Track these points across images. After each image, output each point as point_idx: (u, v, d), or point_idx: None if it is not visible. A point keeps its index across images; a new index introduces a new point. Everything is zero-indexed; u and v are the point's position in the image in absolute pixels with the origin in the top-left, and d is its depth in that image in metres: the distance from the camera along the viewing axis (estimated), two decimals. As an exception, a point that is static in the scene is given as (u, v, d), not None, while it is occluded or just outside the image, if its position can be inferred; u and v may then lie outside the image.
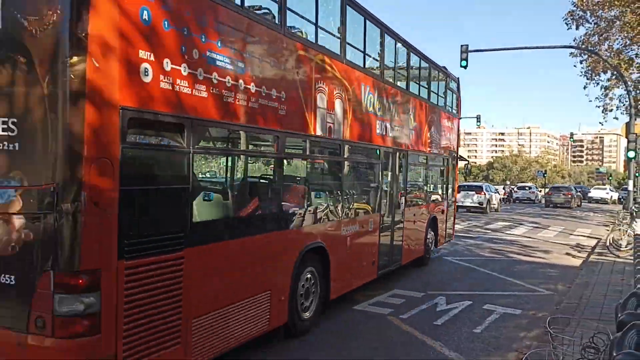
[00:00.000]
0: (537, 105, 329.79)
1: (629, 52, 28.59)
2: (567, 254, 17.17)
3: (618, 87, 30.59)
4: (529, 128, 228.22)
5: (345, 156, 8.62)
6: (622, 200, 49.13)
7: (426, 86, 12.72)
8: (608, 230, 21.61)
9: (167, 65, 4.74)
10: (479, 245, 18.45)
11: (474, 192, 34.67)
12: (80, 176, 4.04)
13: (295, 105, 6.93)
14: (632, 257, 11.86)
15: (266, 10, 6.55)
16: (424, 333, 7.90)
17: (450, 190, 14.98)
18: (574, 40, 29.39)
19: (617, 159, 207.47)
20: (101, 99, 4.13)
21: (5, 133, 4.07)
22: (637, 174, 34.56)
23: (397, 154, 10.87)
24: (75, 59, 3.97)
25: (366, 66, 9.30)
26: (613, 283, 11.30)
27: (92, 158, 4.09)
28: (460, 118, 16.14)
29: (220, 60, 5.48)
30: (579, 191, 54.32)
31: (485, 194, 35.40)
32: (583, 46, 28.40)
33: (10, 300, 4.12)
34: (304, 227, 7.29)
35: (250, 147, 6.68)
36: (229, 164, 6.95)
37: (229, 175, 6.94)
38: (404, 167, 11.32)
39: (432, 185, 13.77)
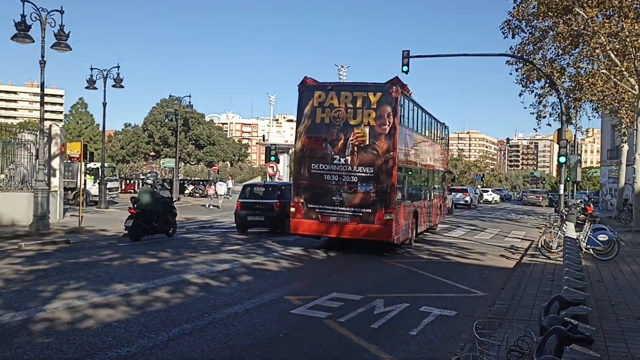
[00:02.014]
0: (476, 111, 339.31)
1: (561, 61, 29.57)
2: (502, 255, 17.67)
3: (551, 94, 31.61)
4: (468, 133, 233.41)
5: (423, 173, 21.44)
6: (554, 203, 51.56)
7: (438, 135, 24.87)
8: (540, 232, 22.53)
9: (403, 148, 17.22)
10: (418, 247, 18.89)
11: (461, 193, 49.02)
12: (391, 183, 16.33)
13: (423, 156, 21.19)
14: (562, 259, 12.23)
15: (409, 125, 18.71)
16: (360, 336, 7.90)
17: (445, 190, 27.77)
18: (510, 49, 30.20)
19: (551, 163, 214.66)
20: (396, 161, 16.45)
21: (370, 170, 16.44)
22: (568, 178, 35.93)
23: (432, 171, 23.05)
24: (391, 153, 16.35)
25: (425, 133, 21.60)
26: (543, 284, 11.60)
27: (393, 177, 16.35)
28: (448, 150, 29.32)
29: (410, 144, 18.41)
30: (549, 194, 69.12)
31: (469, 194, 49.43)
32: (518, 54, 29.19)
33: (368, 213, 16.30)
34: (415, 202, 19.58)
35: (416, 171, 19.60)
36: (413, 179, 19.02)
37: (412, 182, 18.98)
38: (432, 177, 23.28)
39: (439, 187, 25.29)
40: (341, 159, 16.73)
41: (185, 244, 17.41)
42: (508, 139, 73.76)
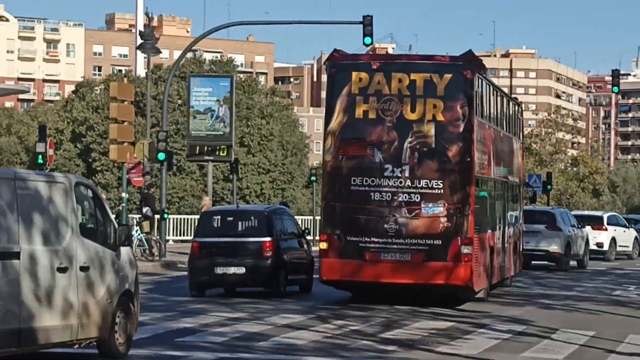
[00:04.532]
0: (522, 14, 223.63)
1: None
2: None
3: None
4: (508, 55, 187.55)
5: (499, 188, 18.87)
6: None
7: (514, 123, 20.27)
8: None
9: (481, 151, 15.47)
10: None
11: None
12: (468, 202, 14.41)
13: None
14: None
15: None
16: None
17: (521, 217, 22.19)
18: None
19: None
20: (474, 170, 14.74)
21: (438, 185, 14.22)
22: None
23: (507, 184, 19.50)
24: (468, 160, 14.48)
25: (502, 125, 18.63)
26: None
27: (471, 193, 14.44)
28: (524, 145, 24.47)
29: (488, 144, 16.33)
30: None
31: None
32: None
33: (438, 246, 14.11)
34: (491, 234, 17.11)
35: (492, 186, 17.24)
36: (489, 198, 16.44)
37: (489, 203, 16.44)
38: (509, 194, 19.82)
39: (517, 211, 21.12)
40: (396, 169, 14.26)
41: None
42: (616, 74, 29.57)
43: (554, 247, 23.71)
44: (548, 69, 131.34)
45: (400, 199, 14.26)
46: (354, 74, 14.63)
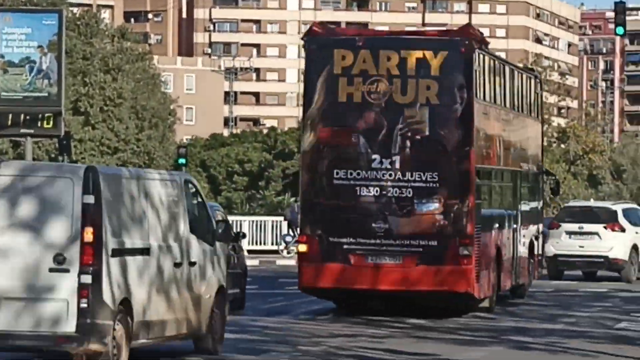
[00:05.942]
0: None
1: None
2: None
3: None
4: None
5: (508, 179, 24.15)
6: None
7: (529, 101, 24.82)
8: None
9: (483, 137, 20.36)
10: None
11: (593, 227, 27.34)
12: (468, 197, 18.75)
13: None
14: None
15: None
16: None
17: (541, 213, 29.17)
18: None
19: None
20: (474, 160, 19.01)
21: (433, 178, 18.50)
22: None
23: (521, 174, 24.35)
24: (467, 149, 18.77)
25: (512, 105, 23.13)
26: None
27: (471, 187, 18.89)
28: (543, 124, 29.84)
29: (493, 129, 21.39)
30: None
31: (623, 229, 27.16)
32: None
33: (433, 247, 18.38)
34: (497, 233, 22.32)
35: (499, 177, 22.89)
36: (496, 191, 21.64)
37: (495, 197, 21.47)
38: (523, 186, 24.66)
39: (533, 206, 26.89)
40: (384, 160, 17.89)
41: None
42: (621, 10, 32.44)
43: (616, 253, 26.91)
44: (524, 0, 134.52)
45: (389, 195, 17.94)
46: (337, 52, 18.18)
